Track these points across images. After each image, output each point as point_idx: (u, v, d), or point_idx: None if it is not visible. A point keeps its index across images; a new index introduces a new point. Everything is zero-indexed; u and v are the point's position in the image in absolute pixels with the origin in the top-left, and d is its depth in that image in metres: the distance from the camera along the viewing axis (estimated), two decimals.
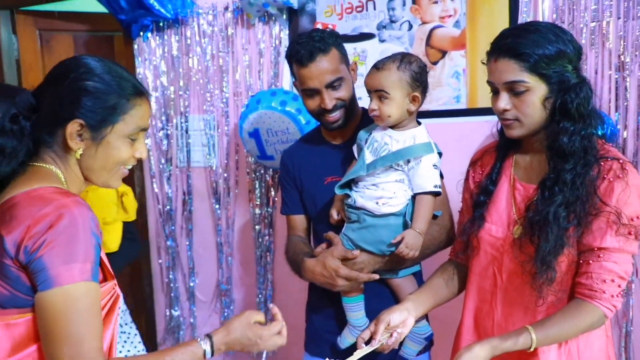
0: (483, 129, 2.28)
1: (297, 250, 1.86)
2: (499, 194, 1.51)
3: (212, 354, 1.32)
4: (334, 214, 1.77)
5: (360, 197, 1.67)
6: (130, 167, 1.36)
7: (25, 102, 1.28)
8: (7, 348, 1.19)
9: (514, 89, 1.36)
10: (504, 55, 1.36)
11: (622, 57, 2.10)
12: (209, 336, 1.33)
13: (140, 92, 1.32)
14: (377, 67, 1.64)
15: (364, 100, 1.78)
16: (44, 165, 1.28)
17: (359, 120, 1.86)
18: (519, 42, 1.34)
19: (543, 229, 1.34)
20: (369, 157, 1.67)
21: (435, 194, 1.64)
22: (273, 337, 1.39)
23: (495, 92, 1.42)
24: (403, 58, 1.64)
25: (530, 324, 1.37)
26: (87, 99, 1.25)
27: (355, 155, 1.76)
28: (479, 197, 1.53)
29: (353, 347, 1.59)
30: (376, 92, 1.63)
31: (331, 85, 1.73)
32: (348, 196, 1.71)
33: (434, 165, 1.63)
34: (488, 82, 1.43)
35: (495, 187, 1.52)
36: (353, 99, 1.82)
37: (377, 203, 1.65)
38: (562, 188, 1.33)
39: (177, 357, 1.27)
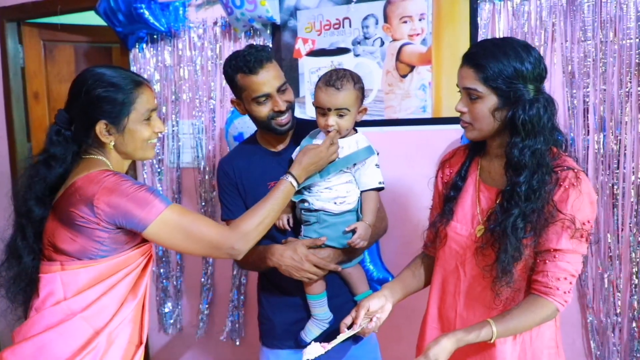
0: (446, 136, 2.28)
1: (255, 245, 1.74)
2: (465, 194, 1.48)
3: (299, 184, 1.58)
4: (284, 220, 1.71)
5: (317, 200, 1.65)
6: (155, 140, 1.52)
7: (63, 118, 1.46)
8: (73, 289, 1.39)
9: (470, 95, 1.35)
10: (467, 63, 1.35)
11: (570, 75, 2.09)
12: (289, 173, 1.57)
13: (139, 82, 1.46)
14: (336, 87, 1.59)
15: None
16: (92, 156, 1.46)
17: (294, 129, 1.80)
18: (481, 54, 1.33)
19: (502, 239, 1.31)
20: None
21: (380, 189, 1.68)
22: (329, 148, 1.59)
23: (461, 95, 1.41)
24: (352, 76, 1.63)
25: (489, 316, 1.34)
26: (102, 104, 1.41)
27: None
28: (449, 192, 1.50)
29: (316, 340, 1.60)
30: (337, 110, 1.60)
31: (280, 89, 1.69)
32: (303, 201, 1.67)
33: (376, 165, 1.67)
34: (457, 84, 1.41)
35: (464, 184, 1.48)
36: (294, 105, 1.77)
37: (335, 203, 1.64)
38: (518, 201, 1.29)
39: (277, 197, 1.54)
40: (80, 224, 1.36)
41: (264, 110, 1.70)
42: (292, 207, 1.72)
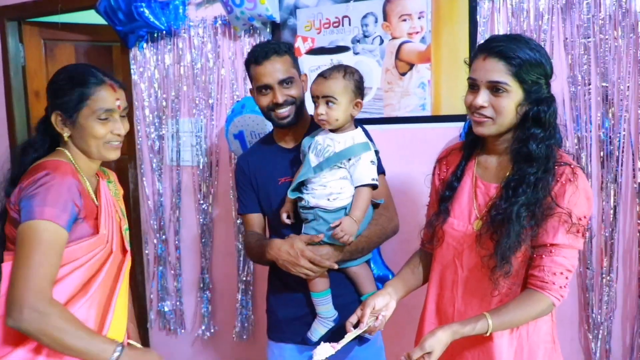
0: (446, 134, 2.29)
1: (261, 238, 1.83)
2: (462, 190, 1.49)
3: None
4: (284, 216, 1.75)
5: (312, 197, 1.67)
6: (116, 142, 1.50)
7: (46, 110, 1.52)
8: None
9: (496, 89, 1.33)
10: (493, 56, 1.33)
11: (570, 73, 2.10)
12: (121, 346, 1.36)
13: (99, 81, 1.47)
14: (325, 76, 1.65)
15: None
16: (60, 148, 1.50)
17: (308, 126, 1.85)
18: (509, 47, 1.32)
19: (505, 226, 1.32)
20: (313, 159, 1.67)
21: (373, 187, 1.66)
22: None
23: (473, 89, 1.38)
24: (347, 69, 1.66)
25: (487, 311, 1.35)
26: (59, 95, 1.46)
27: (302, 160, 1.74)
28: (445, 192, 1.51)
29: (319, 341, 1.62)
30: (324, 98, 1.63)
31: (283, 83, 1.74)
32: (301, 199, 1.69)
33: (371, 162, 1.66)
34: (469, 78, 1.39)
35: (459, 184, 1.49)
36: (302, 102, 1.81)
37: (328, 199, 1.65)
38: (525, 190, 1.32)
39: (92, 346, 1.32)
40: (12, 212, 1.39)
41: (264, 101, 1.76)
42: (294, 203, 1.74)
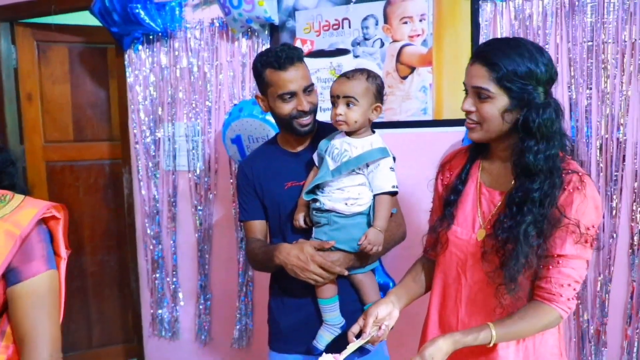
0: (448, 138, 2.28)
1: (266, 244, 1.80)
2: (466, 196, 1.46)
3: None
4: (300, 219, 1.72)
5: (329, 200, 1.64)
6: None
7: None
8: None
9: (479, 94, 1.32)
10: (479, 61, 1.31)
11: (572, 77, 2.09)
12: None
13: None
14: (347, 76, 1.62)
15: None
16: None
17: (315, 131, 1.82)
18: (495, 53, 1.29)
19: (508, 245, 1.29)
20: (331, 163, 1.64)
21: (393, 194, 1.63)
22: None
23: (466, 93, 1.38)
24: (370, 72, 1.64)
25: (491, 321, 1.33)
26: None
27: (316, 163, 1.72)
28: (449, 197, 1.48)
29: (325, 349, 1.60)
30: (345, 98, 1.60)
31: (306, 90, 1.71)
32: (315, 201, 1.66)
33: (390, 168, 1.63)
34: (463, 82, 1.38)
35: (464, 188, 1.47)
36: (317, 109, 1.79)
37: (346, 204, 1.63)
38: (531, 208, 1.28)
39: None
40: None
41: (287, 108, 1.71)
42: (308, 206, 1.71)
